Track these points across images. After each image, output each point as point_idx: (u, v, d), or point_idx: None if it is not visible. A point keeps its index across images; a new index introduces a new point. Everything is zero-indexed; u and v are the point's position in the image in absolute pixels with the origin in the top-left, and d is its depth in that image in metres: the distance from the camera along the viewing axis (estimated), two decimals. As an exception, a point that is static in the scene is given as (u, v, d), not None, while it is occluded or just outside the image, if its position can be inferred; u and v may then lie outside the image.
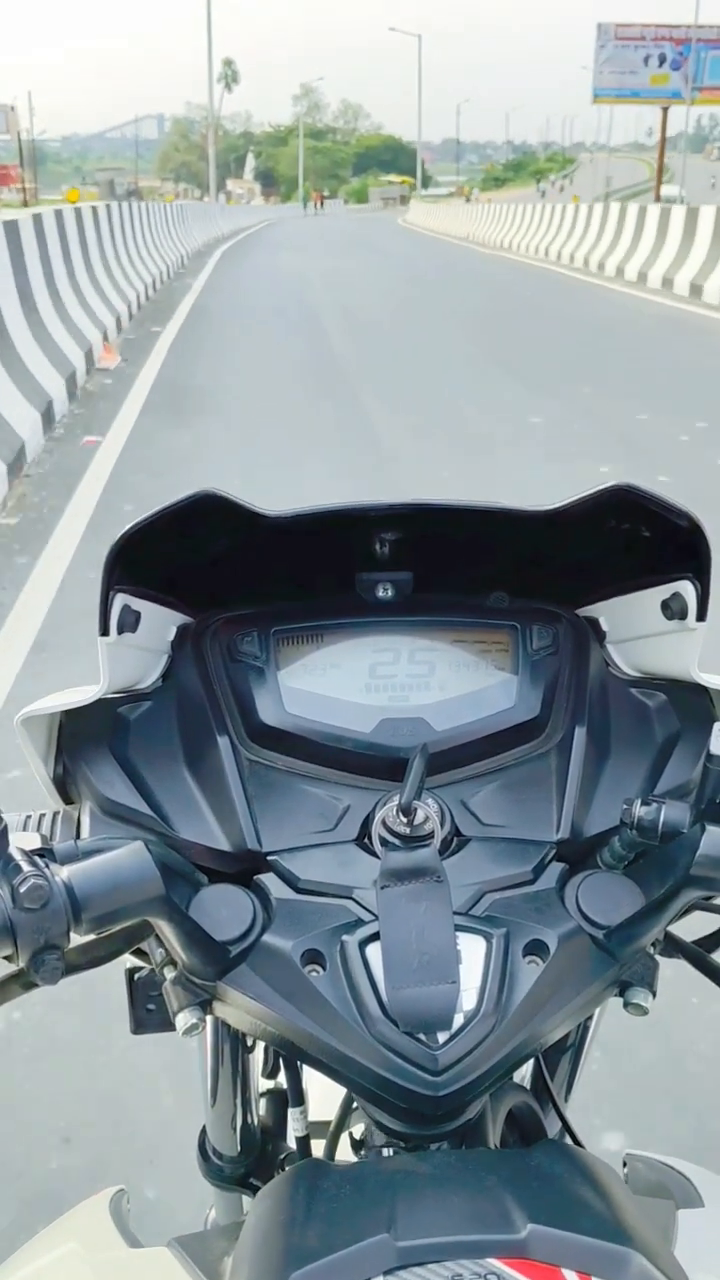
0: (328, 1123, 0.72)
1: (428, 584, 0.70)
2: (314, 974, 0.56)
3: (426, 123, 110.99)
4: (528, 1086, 0.73)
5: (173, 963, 0.58)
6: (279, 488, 5.29)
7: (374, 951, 0.55)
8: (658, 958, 0.61)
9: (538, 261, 22.53)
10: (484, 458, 6.19)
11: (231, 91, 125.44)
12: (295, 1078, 0.75)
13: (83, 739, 0.65)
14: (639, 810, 0.59)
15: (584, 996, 0.57)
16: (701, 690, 0.67)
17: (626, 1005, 0.60)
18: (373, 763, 0.66)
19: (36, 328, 7.60)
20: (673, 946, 0.65)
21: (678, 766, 0.66)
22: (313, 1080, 0.78)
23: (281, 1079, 0.84)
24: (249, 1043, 0.79)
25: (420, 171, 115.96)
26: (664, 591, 0.65)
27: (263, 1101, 0.87)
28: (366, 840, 0.63)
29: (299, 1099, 0.75)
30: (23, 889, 0.49)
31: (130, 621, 0.63)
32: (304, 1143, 0.76)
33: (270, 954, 0.57)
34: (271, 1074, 0.85)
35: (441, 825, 0.62)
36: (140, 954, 0.66)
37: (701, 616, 0.63)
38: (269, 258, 24.03)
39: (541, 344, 10.90)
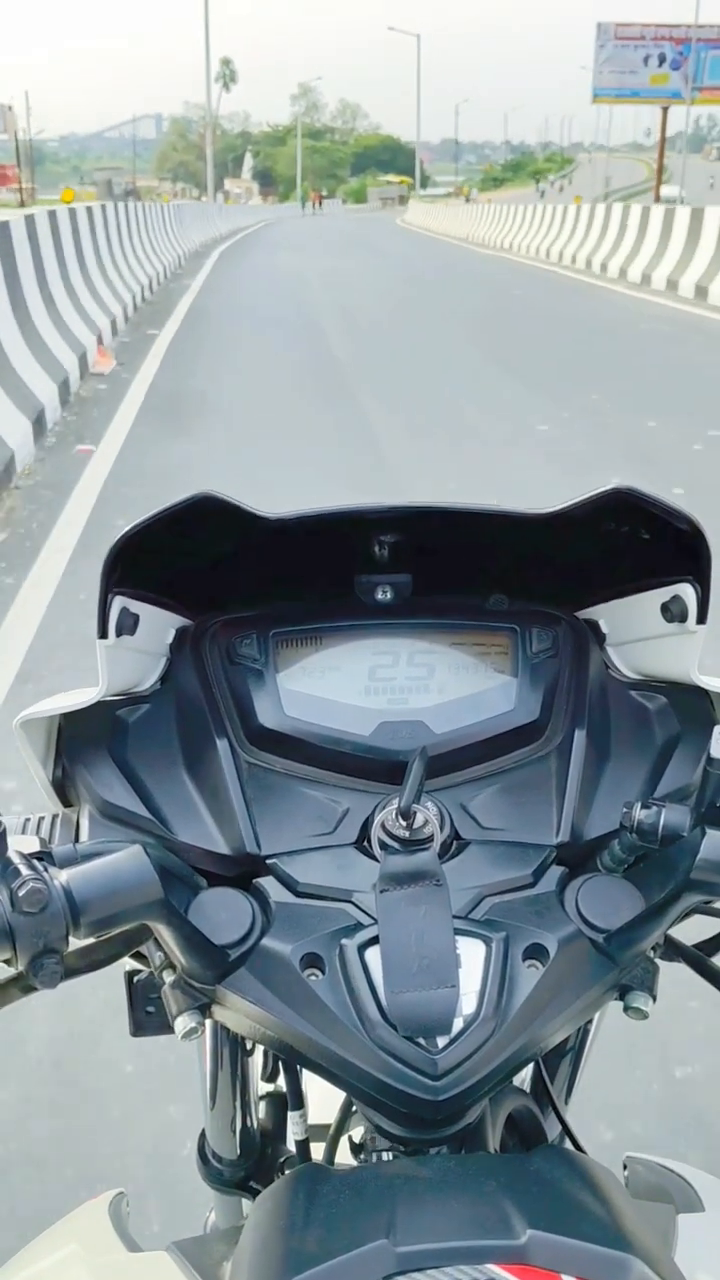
0: (327, 1126, 0.72)
1: (427, 587, 0.69)
2: (313, 978, 0.55)
3: (425, 123, 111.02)
4: (528, 1090, 0.73)
5: (172, 966, 0.58)
6: (278, 500, 5.05)
7: (373, 955, 0.55)
8: (658, 961, 0.61)
9: (539, 263, 22.37)
10: (491, 467, 6.01)
11: (229, 91, 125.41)
12: (295, 1081, 0.75)
13: (82, 742, 0.65)
14: (639, 813, 0.59)
15: (584, 1000, 0.57)
16: (702, 693, 0.67)
17: (626, 1009, 0.59)
18: (372, 766, 0.65)
19: (28, 332, 7.38)
20: (673, 950, 0.64)
21: (678, 769, 0.65)
22: (312, 1084, 0.77)
23: (281, 1082, 0.84)
24: (248, 1046, 0.78)
25: (419, 172, 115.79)
26: (664, 594, 0.65)
27: (262, 1105, 0.86)
28: (366, 843, 0.62)
29: (298, 1102, 0.74)
30: (21, 892, 0.49)
31: (129, 624, 0.62)
32: (303, 1146, 0.75)
33: (269, 958, 0.57)
34: (271, 1077, 0.85)
35: (441, 828, 0.62)
36: (140, 957, 0.66)
37: (702, 619, 0.63)
38: (267, 257, 23.89)
39: (545, 347, 10.72)
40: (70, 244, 9.87)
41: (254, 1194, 0.82)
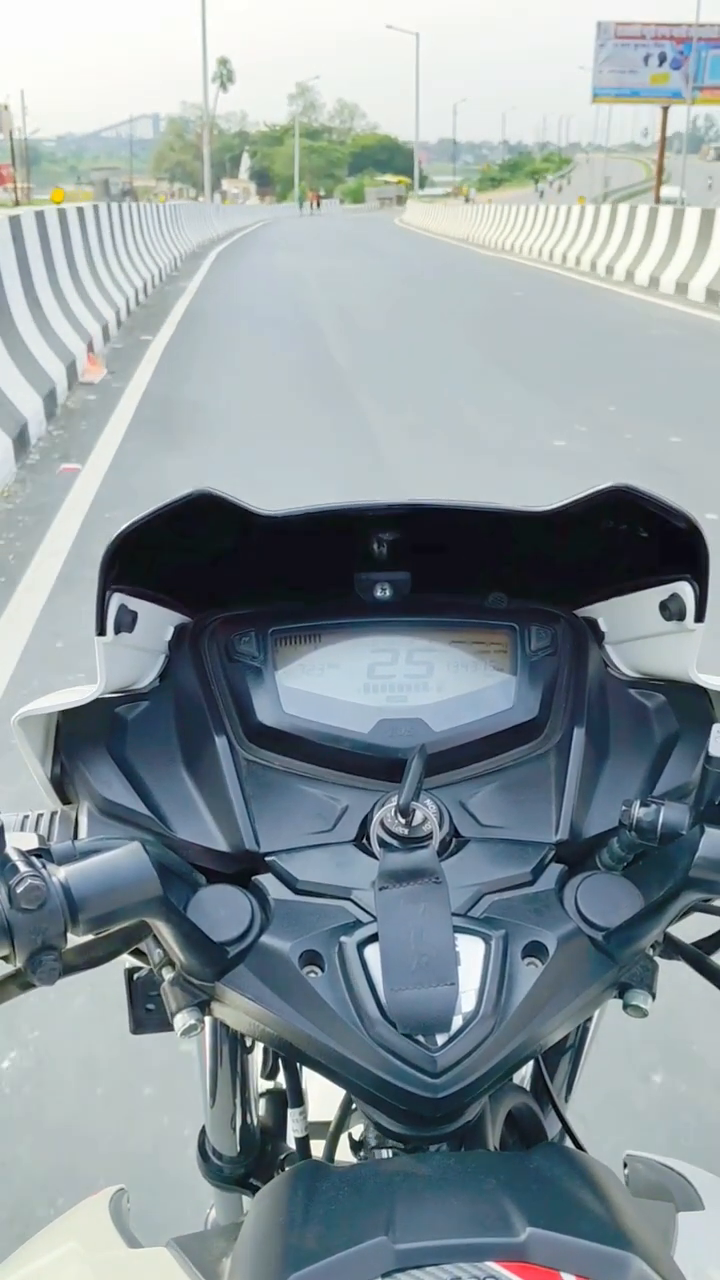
0: (327, 1123, 0.71)
1: (426, 584, 0.70)
2: (312, 975, 0.55)
3: (422, 123, 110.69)
4: (527, 1088, 0.72)
5: (171, 963, 0.58)
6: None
7: (372, 953, 0.55)
8: (657, 960, 0.61)
9: (542, 265, 21.98)
10: (509, 489, 5.55)
11: (227, 91, 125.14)
12: (294, 1078, 0.74)
13: (80, 739, 0.65)
14: (638, 811, 0.58)
15: (583, 998, 0.57)
16: (700, 691, 0.67)
17: (626, 1007, 0.59)
18: (371, 763, 0.65)
19: (12, 341, 6.97)
20: (672, 948, 0.64)
21: (677, 768, 0.65)
22: (312, 1081, 0.76)
23: (281, 1080, 0.83)
24: (248, 1043, 0.78)
25: (417, 172, 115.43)
26: (662, 592, 0.65)
27: (262, 1102, 0.86)
28: (365, 841, 0.62)
29: (298, 1100, 0.73)
30: (20, 889, 0.49)
31: (127, 621, 0.62)
32: (303, 1143, 0.74)
33: (268, 955, 0.57)
34: (271, 1074, 0.84)
35: (440, 826, 0.62)
36: (139, 954, 0.65)
37: (700, 617, 0.63)
38: (264, 258, 23.61)
39: (553, 353, 10.31)
40: (59, 246, 9.44)
41: (254, 1191, 0.81)
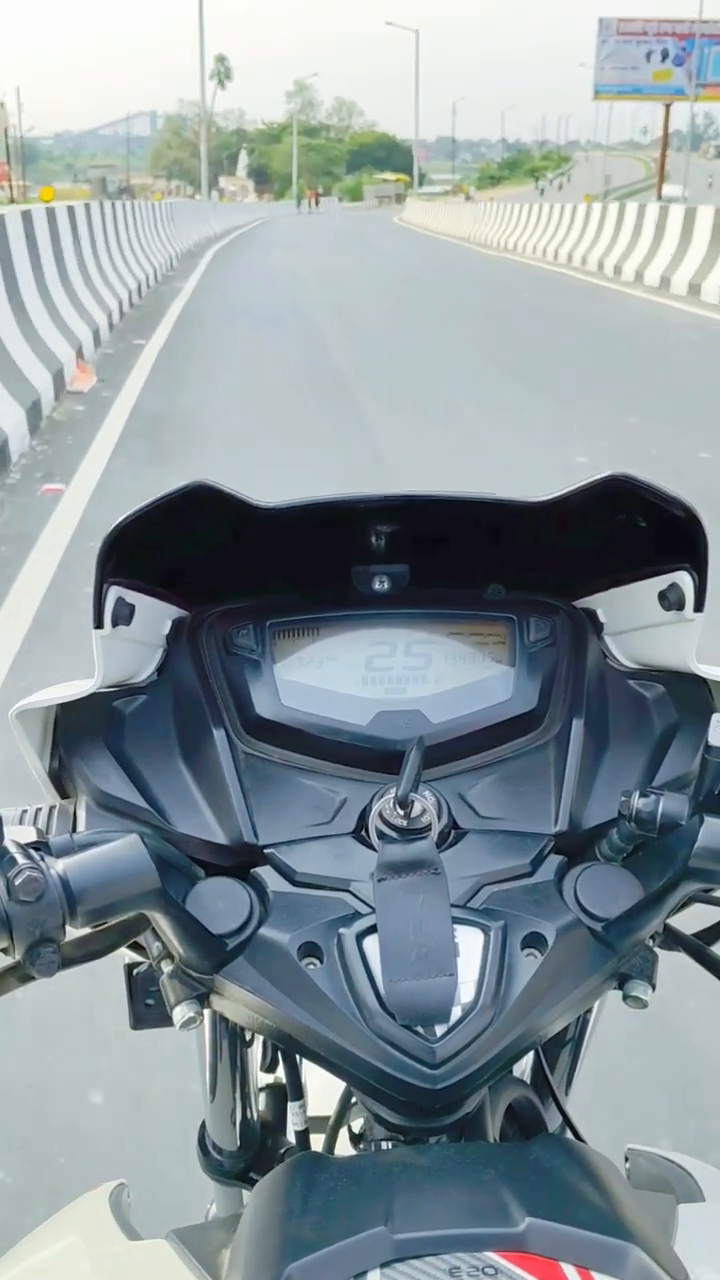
0: (327, 1117, 0.71)
1: (424, 576, 0.69)
2: (311, 967, 0.55)
3: (421, 121, 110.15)
4: (528, 1080, 0.72)
5: (170, 956, 0.58)
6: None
7: (371, 944, 0.55)
8: (657, 950, 0.61)
9: (547, 264, 21.45)
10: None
11: (224, 88, 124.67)
12: (294, 1071, 0.73)
13: (78, 733, 0.64)
14: (637, 802, 0.58)
15: (583, 989, 0.57)
16: (700, 681, 0.67)
17: (626, 998, 0.59)
18: (369, 755, 0.65)
19: (-6, 350, 6.48)
20: (672, 939, 0.64)
21: (676, 758, 0.65)
22: (312, 1074, 0.76)
23: (280, 1073, 0.83)
24: (247, 1036, 0.78)
25: (416, 170, 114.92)
26: (661, 582, 0.64)
27: (262, 1096, 0.86)
28: (363, 833, 0.62)
29: (298, 1093, 0.73)
30: (18, 882, 0.49)
31: (124, 615, 0.62)
32: (303, 1137, 0.74)
33: (267, 947, 0.57)
34: (270, 1068, 0.83)
35: (439, 818, 0.61)
36: (138, 948, 0.64)
37: (699, 607, 0.63)
38: (262, 256, 23.27)
39: (564, 358, 9.84)
40: (48, 247, 8.98)
41: (254, 1185, 0.79)
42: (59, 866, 0.51)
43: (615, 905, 0.58)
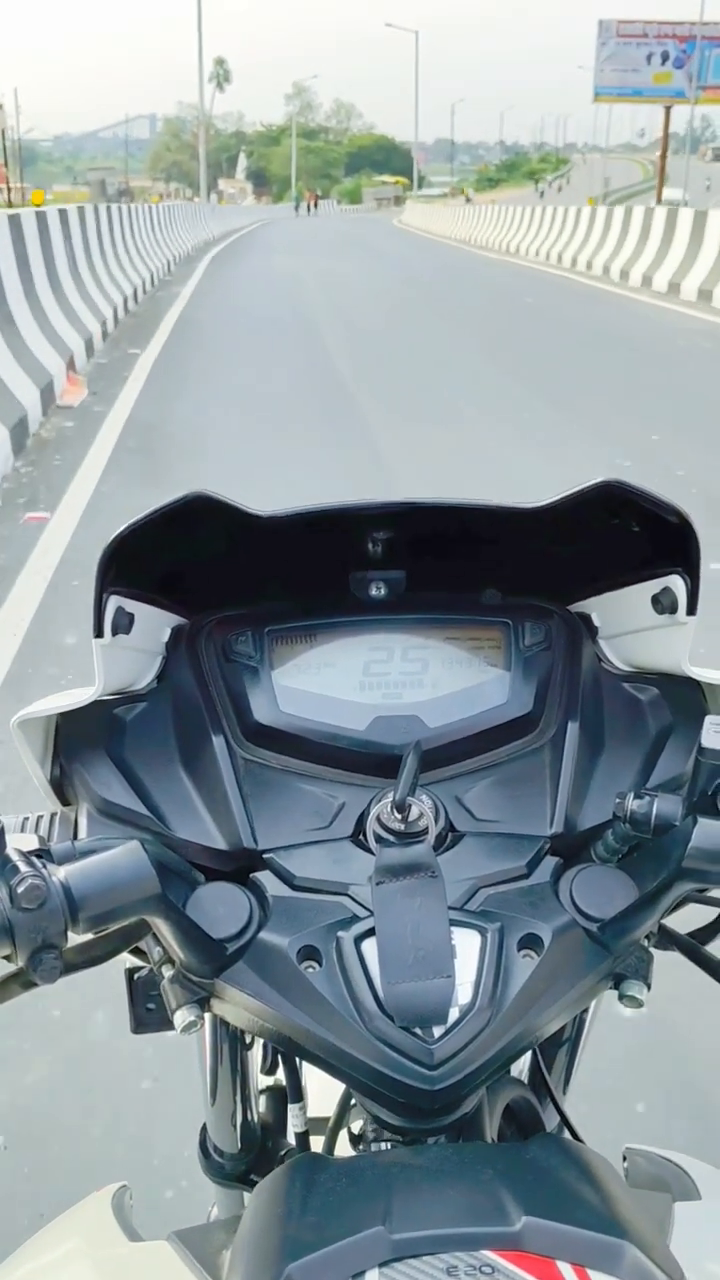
0: (327, 1119, 0.72)
1: (420, 582, 0.70)
2: (310, 970, 0.55)
3: (420, 123, 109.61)
4: (525, 1080, 0.73)
5: (170, 961, 0.58)
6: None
7: (370, 947, 0.55)
8: (652, 950, 0.61)
9: (551, 268, 21.13)
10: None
11: (223, 91, 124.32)
12: (294, 1074, 0.74)
13: (79, 741, 0.65)
14: (631, 804, 0.58)
15: (579, 989, 0.57)
16: (693, 683, 0.67)
17: (621, 998, 0.59)
18: (367, 760, 0.65)
19: (-23, 364, 6.09)
20: (667, 939, 0.64)
21: (670, 760, 0.65)
22: (312, 1076, 0.77)
23: (280, 1075, 0.83)
24: (248, 1040, 0.78)
25: (416, 172, 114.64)
26: (654, 586, 0.65)
27: (262, 1098, 0.86)
28: (361, 837, 0.62)
29: (298, 1095, 0.74)
30: (20, 889, 0.49)
31: (124, 623, 0.62)
32: (303, 1139, 0.75)
33: (267, 951, 0.57)
34: (270, 1070, 0.84)
35: (436, 821, 0.62)
36: (139, 953, 0.65)
37: (691, 610, 0.63)
38: (262, 260, 22.92)
39: (577, 368, 9.44)
40: (38, 253, 8.57)
41: (255, 1186, 0.78)
42: (61, 873, 0.51)
43: (610, 906, 0.58)
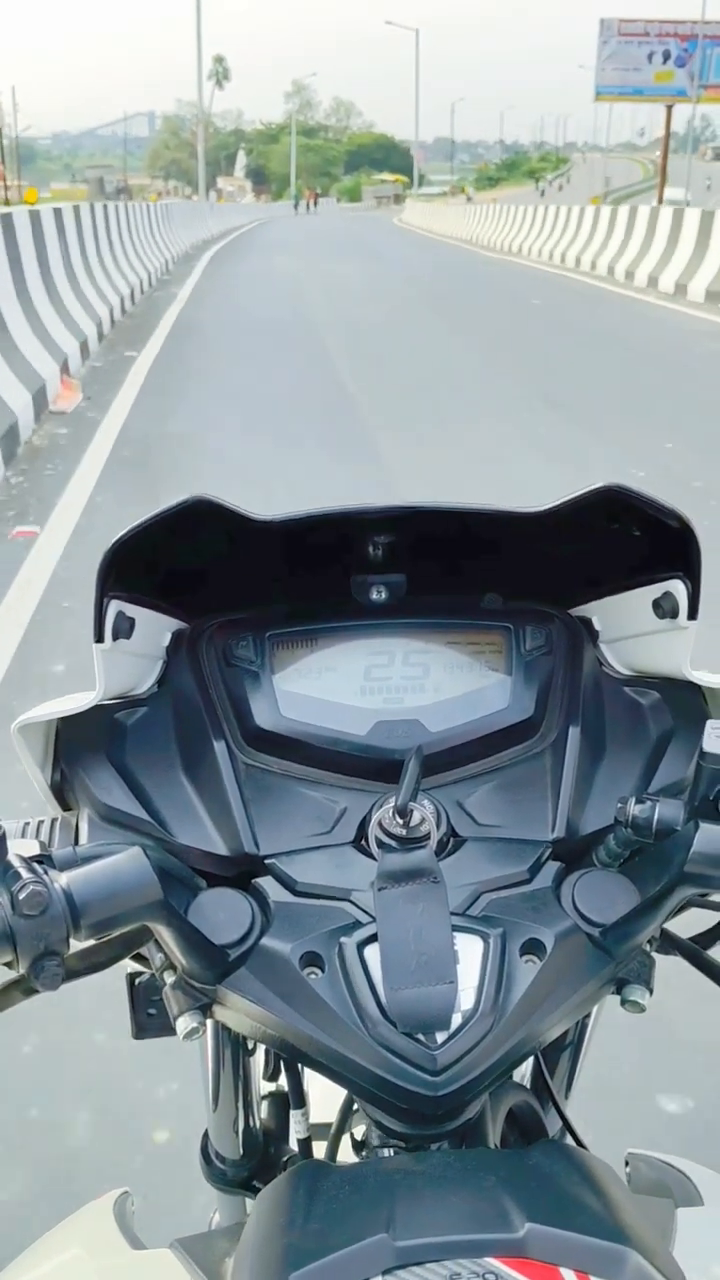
0: (329, 1124, 0.72)
1: (421, 586, 0.70)
2: (313, 976, 0.55)
3: (420, 121, 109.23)
4: (528, 1086, 0.73)
5: (172, 967, 0.58)
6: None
7: (372, 953, 0.55)
8: (654, 955, 0.61)
9: (555, 269, 20.91)
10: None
11: (222, 88, 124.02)
12: (296, 1080, 0.74)
13: (80, 745, 0.65)
14: (633, 808, 0.58)
15: (581, 994, 0.57)
16: (694, 688, 0.67)
17: (624, 1003, 0.59)
18: (368, 765, 0.65)
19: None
20: (669, 943, 0.64)
21: (671, 764, 0.65)
22: (314, 1082, 0.77)
23: (283, 1081, 0.83)
24: (250, 1046, 0.78)
25: (416, 170, 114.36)
26: (655, 590, 0.65)
27: (264, 1104, 0.86)
28: (363, 842, 0.62)
29: (300, 1101, 0.74)
30: (22, 895, 0.49)
31: (125, 628, 0.62)
32: (306, 1145, 0.74)
33: (269, 957, 0.57)
34: (273, 1076, 0.84)
35: (438, 826, 0.62)
36: (140, 959, 0.65)
37: (693, 615, 0.63)
38: (262, 261, 22.66)
39: (586, 372, 9.22)
40: (31, 253, 8.33)
41: (257, 1193, 0.80)
42: (62, 880, 0.51)
43: (612, 911, 0.58)
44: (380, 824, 0.60)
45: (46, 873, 0.50)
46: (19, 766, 0.65)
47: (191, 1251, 0.56)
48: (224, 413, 7.25)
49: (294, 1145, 0.78)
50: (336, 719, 0.65)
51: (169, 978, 0.58)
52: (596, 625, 0.71)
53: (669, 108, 52.21)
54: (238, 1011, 0.57)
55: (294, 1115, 0.74)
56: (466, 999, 0.53)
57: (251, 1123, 0.80)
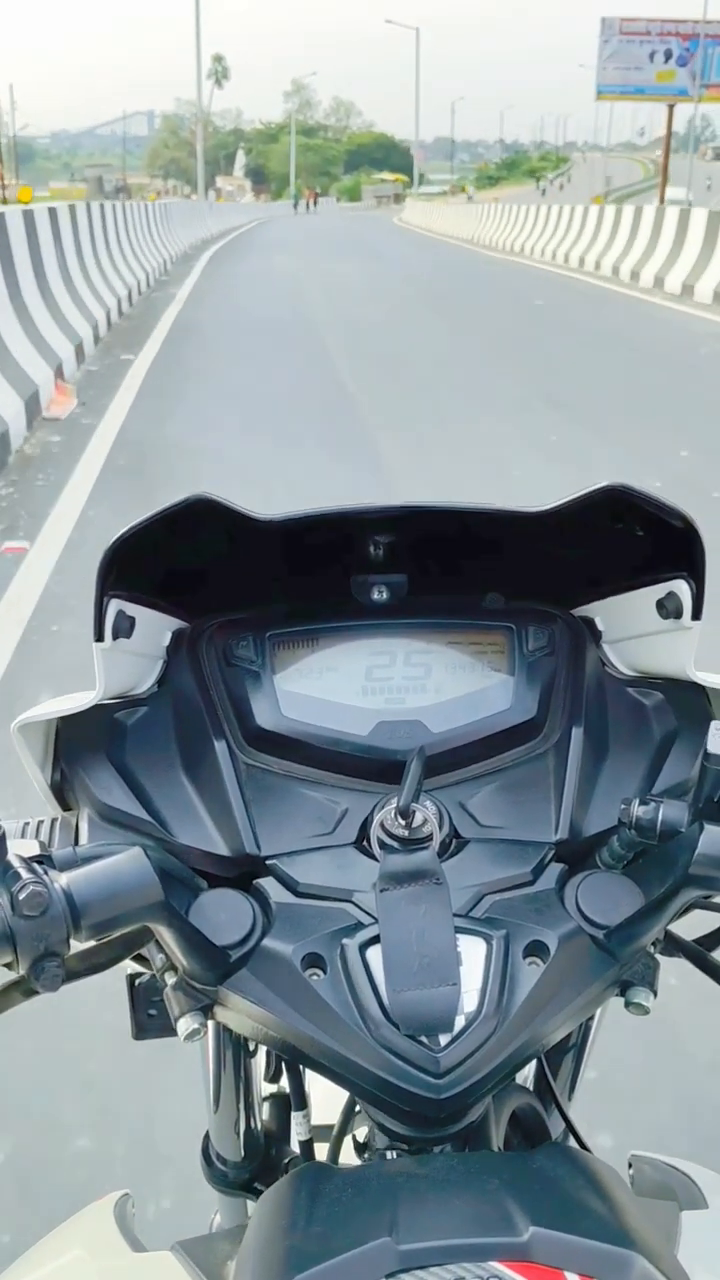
0: (331, 1126, 0.71)
1: (423, 586, 0.70)
2: (315, 977, 0.55)
3: (420, 121, 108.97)
4: (531, 1088, 0.72)
5: (173, 968, 0.58)
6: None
7: (374, 954, 0.54)
8: (658, 957, 0.61)
9: (558, 269, 20.62)
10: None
11: (222, 88, 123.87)
12: (298, 1081, 0.74)
13: (80, 745, 0.64)
14: (637, 810, 0.58)
15: (585, 997, 0.57)
16: (698, 689, 0.67)
17: (628, 1005, 0.59)
18: (370, 766, 0.65)
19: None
20: (673, 945, 0.64)
21: (675, 765, 0.65)
22: (316, 1084, 0.76)
23: (284, 1083, 0.83)
24: (251, 1047, 0.78)
25: (416, 170, 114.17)
26: (659, 591, 0.65)
27: (266, 1106, 0.85)
28: (365, 843, 0.62)
29: (302, 1103, 0.74)
30: (22, 896, 0.48)
31: (125, 627, 0.62)
32: (307, 1146, 0.74)
33: (271, 958, 0.56)
34: (274, 1078, 0.83)
35: (440, 827, 0.61)
36: (141, 960, 0.64)
37: (697, 615, 0.63)
38: (261, 261, 22.45)
39: (594, 376, 8.99)
40: (24, 254, 8.12)
41: (258, 1195, 0.80)
42: (62, 880, 0.51)
43: (616, 913, 0.58)
44: (382, 825, 0.60)
45: (46, 873, 0.50)
46: (13, 762, 0.64)
47: (193, 1254, 0.56)
48: (223, 413, 7.09)
49: (295, 1147, 0.78)
50: (338, 719, 0.65)
51: (170, 979, 0.58)
52: (599, 626, 0.71)
53: (670, 107, 52.03)
54: (239, 1013, 0.57)
55: (295, 1117, 0.74)
56: (470, 1001, 0.53)
57: (253, 1124, 0.80)
